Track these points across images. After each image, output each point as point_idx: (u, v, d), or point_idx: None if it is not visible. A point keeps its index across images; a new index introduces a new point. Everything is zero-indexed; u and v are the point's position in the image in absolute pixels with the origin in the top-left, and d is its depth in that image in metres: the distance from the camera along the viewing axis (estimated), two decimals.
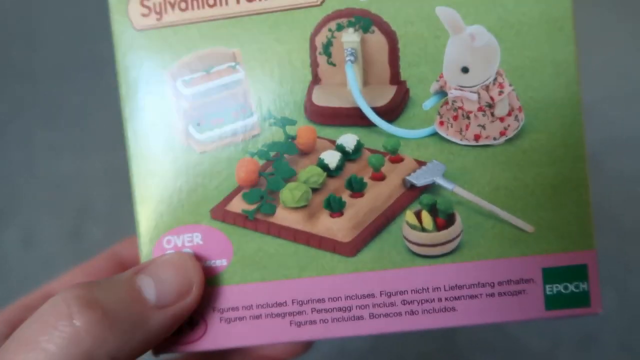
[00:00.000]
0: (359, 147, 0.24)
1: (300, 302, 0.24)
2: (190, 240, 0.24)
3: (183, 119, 0.24)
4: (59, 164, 0.62)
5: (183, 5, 0.24)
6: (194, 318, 0.24)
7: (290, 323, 0.24)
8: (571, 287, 0.23)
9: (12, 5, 0.81)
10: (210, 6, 0.24)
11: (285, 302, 0.24)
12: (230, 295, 0.24)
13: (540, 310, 0.23)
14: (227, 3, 0.24)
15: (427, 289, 0.24)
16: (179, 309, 0.22)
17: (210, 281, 0.24)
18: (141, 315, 0.20)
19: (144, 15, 0.24)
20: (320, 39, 0.24)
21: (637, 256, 0.56)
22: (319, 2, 0.23)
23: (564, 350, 0.49)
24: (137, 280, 0.21)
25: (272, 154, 0.24)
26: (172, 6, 0.24)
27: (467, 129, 0.24)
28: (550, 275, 0.23)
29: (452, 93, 0.23)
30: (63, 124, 0.63)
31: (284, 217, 0.24)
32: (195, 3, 0.24)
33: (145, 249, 0.24)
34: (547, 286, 0.23)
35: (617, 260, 0.56)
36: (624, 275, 0.54)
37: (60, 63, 0.66)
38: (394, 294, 0.24)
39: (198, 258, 0.24)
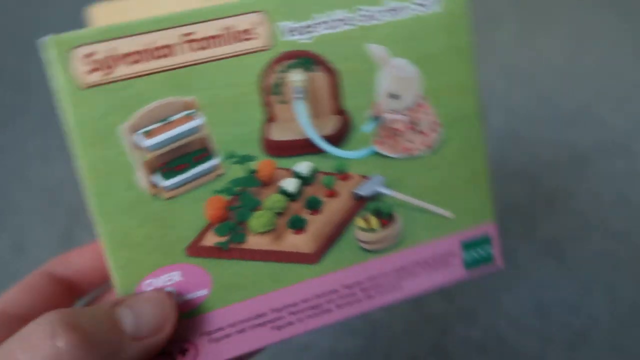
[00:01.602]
0: (313, 172, 0.27)
1: (278, 310, 0.28)
2: (170, 279, 0.26)
3: (146, 169, 0.25)
4: (50, 170, 0.61)
5: (132, 58, 0.23)
6: (183, 346, 0.26)
7: (272, 328, 0.28)
8: (481, 252, 0.31)
9: (5, 14, 0.79)
10: (161, 57, 0.24)
11: (265, 313, 0.27)
12: (215, 318, 0.27)
13: (462, 272, 0.30)
14: (177, 53, 0.24)
15: (379, 275, 0.29)
16: (154, 341, 0.24)
17: (195, 311, 0.26)
18: (118, 343, 0.22)
19: (91, 71, 0.23)
20: (270, 81, 0.26)
21: (627, 257, 0.55)
22: (267, 47, 0.25)
23: (554, 351, 0.48)
24: (118, 311, 0.23)
25: (237, 189, 0.26)
26: (121, 60, 0.23)
27: (398, 145, 0.28)
28: (467, 246, 0.30)
29: (386, 117, 0.28)
30: (54, 131, 0.62)
31: (254, 242, 0.27)
32: (145, 55, 0.24)
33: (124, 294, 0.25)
34: (465, 254, 0.30)
35: (607, 261, 0.55)
36: (613, 276, 0.53)
37: None
38: (353, 285, 0.29)
39: (179, 293, 0.26)
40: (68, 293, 0.31)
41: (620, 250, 0.56)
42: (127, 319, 0.23)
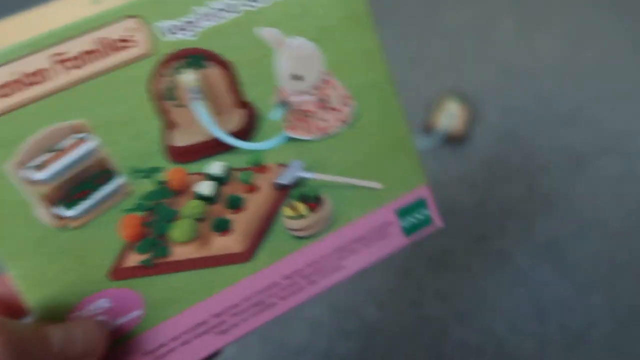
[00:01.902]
0: (227, 170, 0.26)
1: (219, 314, 0.27)
2: (99, 307, 0.25)
3: (46, 203, 0.23)
4: None
5: (2, 92, 0.22)
6: None
7: (216, 333, 0.27)
8: (419, 216, 0.30)
9: None
10: (34, 84, 0.22)
11: (206, 320, 0.27)
12: (155, 336, 0.26)
13: (403, 239, 0.30)
14: (51, 77, 0.22)
15: (318, 260, 0.28)
16: None
17: (132, 333, 0.26)
18: (42, 358, 0.22)
19: None
20: (161, 86, 0.24)
21: (625, 257, 0.54)
22: (148, 53, 0.23)
23: (552, 353, 0.48)
24: (48, 328, 0.22)
25: (149, 203, 0.25)
26: None
27: (312, 126, 0.27)
28: (403, 212, 0.30)
29: (293, 100, 0.26)
30: None
31: (179, 252, 0.26)
32: (16, 86, 0.22)
33: None
34: (403, 221, 0.30)
35: (605, 262, 0.54)
36: (611, 276, 0.52)
37: None
38: (293, 275, 0.28)
39: (111, 319, 0.25)
40: (6, 312, 0.30)
41: (618, 251, 0.55)
42: (56, 337, 0.22)
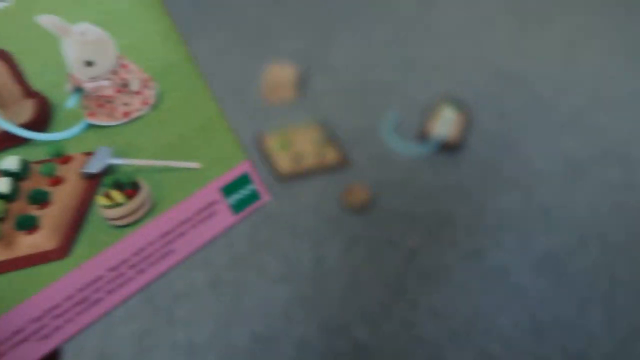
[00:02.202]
0: (24, 164, 0.25)
1: (37, 319, 0.26)
2: None
3: None
4: None
5: None
6: None
7: (38, 339, 0.26)
8: (245, 192, 0.31)
9: None
10: None
11: (23, 327, 0.25)
12: None
13: (232, 218, 0.30)
14: None
15: (144, 247, 0.28)
16: None
17: None
18: None
19: None
20: None
21: (625, 271, 0.52)
22: None
23: None
24: None
25: None
26: None
27: (115, 111, 0.27)
28: (227, 190, 0.30)
29: (87, 86, 0.26)
30: None
31: None
32: None
33: None
34: (228, 199, 0.30)
35: (604, 275, 0.51)
36: (611, 290, 0.50)
37: None
38: (119, 266, 0.27)
39: None
40: None
41: (618, 263, 0.53)
42: None
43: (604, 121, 0.73)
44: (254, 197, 0.31)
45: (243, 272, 0.90)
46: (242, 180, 0.31)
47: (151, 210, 0.28)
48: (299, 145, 1.19)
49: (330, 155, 1.16)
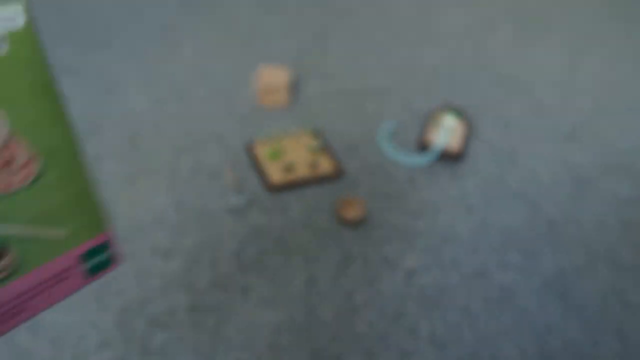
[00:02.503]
0: None
1: None
2: None
3: None
4: None
5: None
6: None
7: None
8: (101, 259, 0.35)
9: None
10: None
11: None
12: None
13: (82, 282, 0.35)
14: None
15: (1, 305, 0.30)
16: None
17: None
18: None
19: None
20: None
21: (637, 294, 0.48)
22: None
23: None
24: None
25: None
26: None
27: None
28: (86, 257, 0.34)
29: None
30: None
31: None
32: None
33: None
34: (86, 264, 0.35)
35: (614, 299, 0.47)
36: (623, 315, 0.46)
37: None
38: None
39: None
40: None
41: (629, 284, 0.49)
42: None
43: (610, 130, 0.68)
44: (107, 264, 0.36)
45: (226, 295, 0.83)
46: (101, 248, 0.35)
47: (12, 273, 0.30)
48: (291, 153, 1.12)
49: (324, 165, 1.09)
